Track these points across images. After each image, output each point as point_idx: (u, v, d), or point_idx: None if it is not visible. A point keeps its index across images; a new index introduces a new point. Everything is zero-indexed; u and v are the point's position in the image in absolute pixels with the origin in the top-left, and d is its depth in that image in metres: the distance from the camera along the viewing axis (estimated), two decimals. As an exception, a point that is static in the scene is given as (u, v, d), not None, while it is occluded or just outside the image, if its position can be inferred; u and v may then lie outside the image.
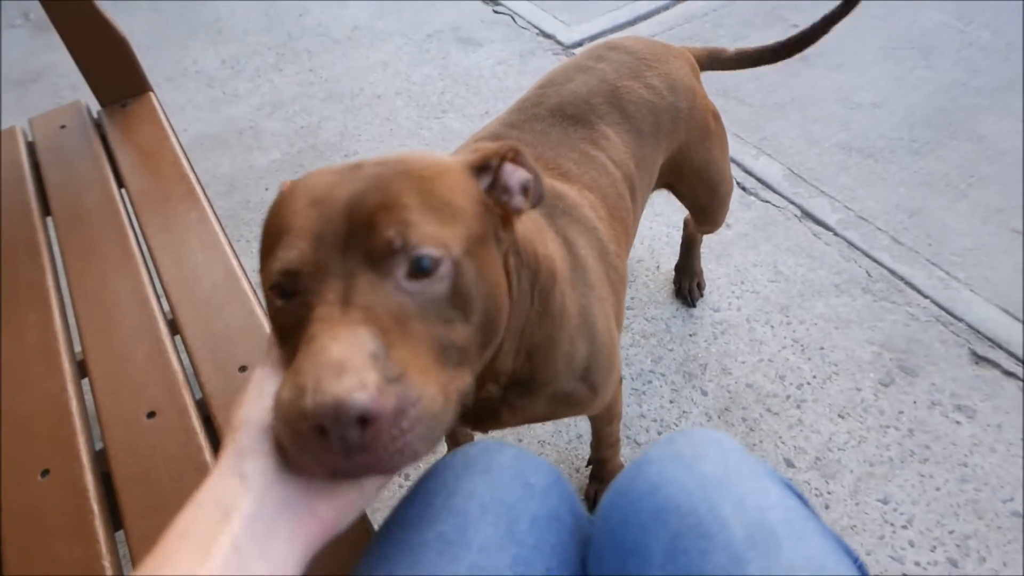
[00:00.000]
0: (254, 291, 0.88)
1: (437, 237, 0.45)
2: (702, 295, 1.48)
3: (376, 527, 0.54)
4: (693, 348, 1.39)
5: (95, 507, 0.67)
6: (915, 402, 1.27)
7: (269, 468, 0.40)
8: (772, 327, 1.41)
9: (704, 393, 1.32)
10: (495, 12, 2.46)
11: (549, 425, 1.30)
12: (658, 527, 0.46)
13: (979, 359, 1.32)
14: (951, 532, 1.10)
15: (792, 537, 0.44)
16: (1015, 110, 1.85)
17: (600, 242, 0.81)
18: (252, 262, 1.60)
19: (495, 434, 1.26)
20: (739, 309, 1.45)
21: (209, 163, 1.94)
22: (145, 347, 0.82)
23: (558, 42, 2.28)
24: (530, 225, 0.66)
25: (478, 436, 1.18)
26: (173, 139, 1.13)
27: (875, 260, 1.52)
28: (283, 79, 2.25)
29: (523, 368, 0.66)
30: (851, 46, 2.10)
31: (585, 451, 1.25)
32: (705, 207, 1.19)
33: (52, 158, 1.13)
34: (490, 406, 0.70)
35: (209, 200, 1.03)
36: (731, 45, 1.23)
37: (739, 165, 1.77)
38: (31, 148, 1.16)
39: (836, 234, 1.58)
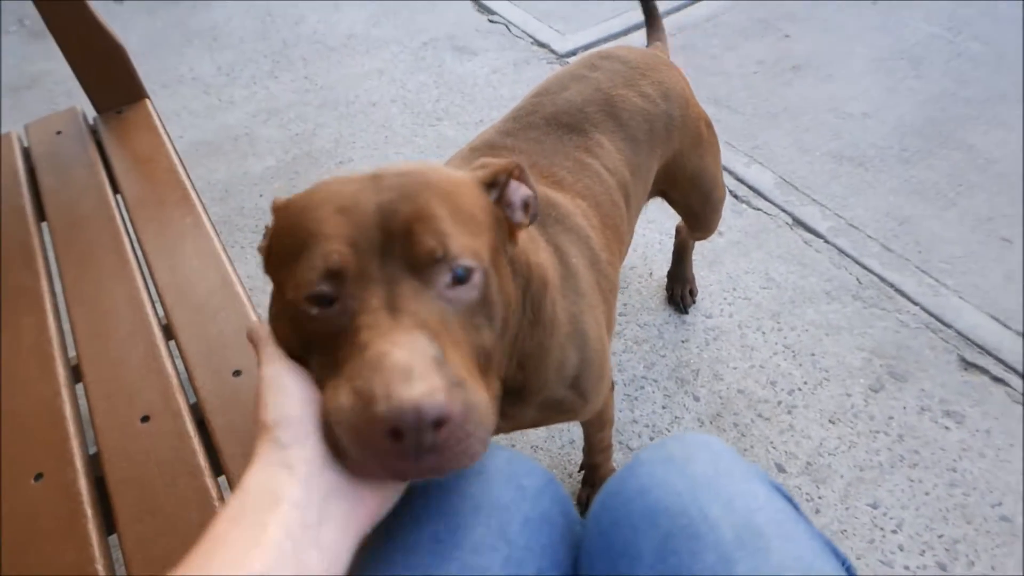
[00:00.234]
0: (248, 297, 0.89)
1: (472, 248, 0.47)
2: (694, 301, 1.49)
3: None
4: (685, 354, 1.40)
5: (88, 511, 0.67)
6: (905, 408, 1.28)
7: (314, 459, 0.41)
8: (764, 333, 1.42)
9: (696, 399, 1.33)
10: (490, 21, 2.48)
11: (542, 430, 1.30)
12: (648, 528, 0.46)
13: (968, 365, 1.34)
14: (940, 536, 1.11)
15: (780, 538, 0.45)
16: (1004, 120, 1.87)
17: (592, 250, 0.82)
18: (246, 268, 1.61)
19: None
20: (731, 315, 1.47)
21: (204, 169, 1.94)
22: (140, 352, 0.82)
23: (552, 51, 2.29)
24: (522, 234, 0.67)
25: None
26: (168, 146, 1.14)
27: (865, 267, 1.53)
28: (278, 86, 2.26)
29: (515, 376, 0.67)
30: (842, 57, 2.12)
31: (578, 456, 1.25)
32: (698, 214, 1.20)
33: (48, 164, 1.13)
34: None
35: (204, 206, 1.03)
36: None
37: (731, 173, 1.78)
38: (27, 154, 1.17)
39: (827, 241, 1.60)
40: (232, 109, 2.18)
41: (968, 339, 1.37)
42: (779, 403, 1.31)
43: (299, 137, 2.04)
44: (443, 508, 0.48)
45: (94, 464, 0.73)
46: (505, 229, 0.56)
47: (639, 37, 2.31)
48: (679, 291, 1.47)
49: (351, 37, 2.47)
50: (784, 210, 1.68)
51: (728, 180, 1.75)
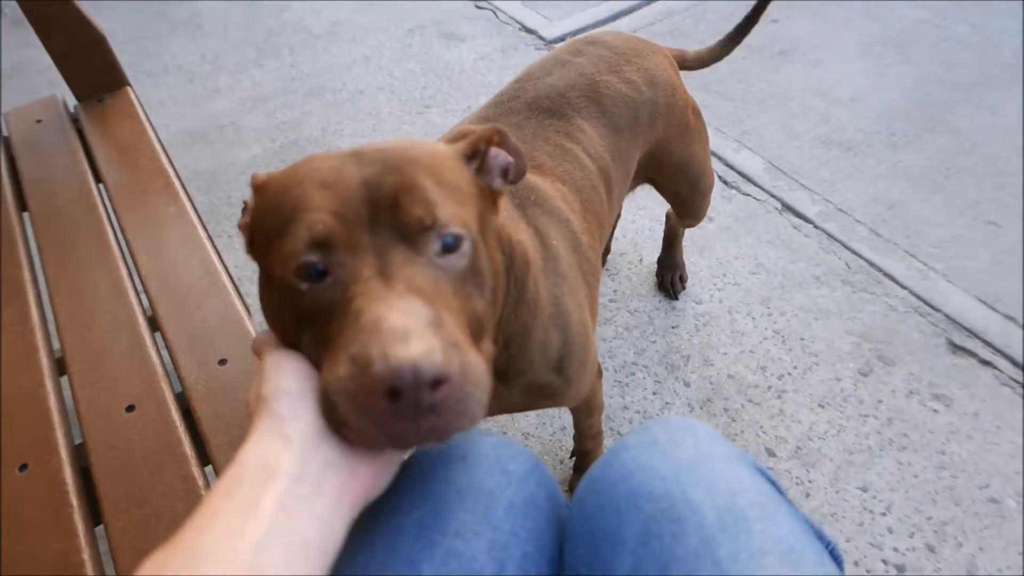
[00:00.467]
0: (235, 286, 0.88)
1: (460, 216, 0.47)
2: (684, 288, 1.49)
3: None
4: (676, 340, 1.41)
5: (74, 501, 0.67)
6: (893, 391, 1.29)
7: (310, 432, 0.41)
8: (753, 319, 1.43)
9: (686, 384, 1.33)
10: (477, 7, 2.46)
11: (533, 417, 1.30)
12: (631, 512, 0.46)
13: (956, 348, 1.34)
14: (929, 518, 1.12)
15: (763, 520, 0.45)
16: (991, 104, 1.87)
17: (572, 233, 0.82)
18: (233, 258, 1.59)
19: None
20: (721, 301, 1.47)
21: (190, 159, 1.92)
22: (124, 341, 0.81)
23: (540, 37, 2.28)
24: (502, 214, 0.67)
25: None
26: (151, 134, 1.13)
27: (854, 252, 1.53)
28: (264, 74, 2.24)
29: (499, 357, 0.67)
30: (830, 42, 2.12)
31: (569, 443, 1.25)
32: (686, 201, 1.19)
33: (28, 152, 1.12)
34: None
35: (188, 195, 1.02)
36: (711, 40, 1.24)
37: (720, 159, 1.78)
38: (6, 143, 1.15)
39: (816, 226, 1.60)
40: (217, 98, 2.16)
41: (956, 322, 1.38)
42: (769, 388, 1.31)
43: (285, 125, 2.03)
44: (427, 493, 0.48)
45: (79, 454, 0.72)
46: (488, 199, 0.56)
47: (627, 23, 2.30)
48: (669, 277, 1.47)
49: (337, 24, 2.44)
50: (773, 195, 1.68)
51: (717, 166, 1.75)
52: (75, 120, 1.18)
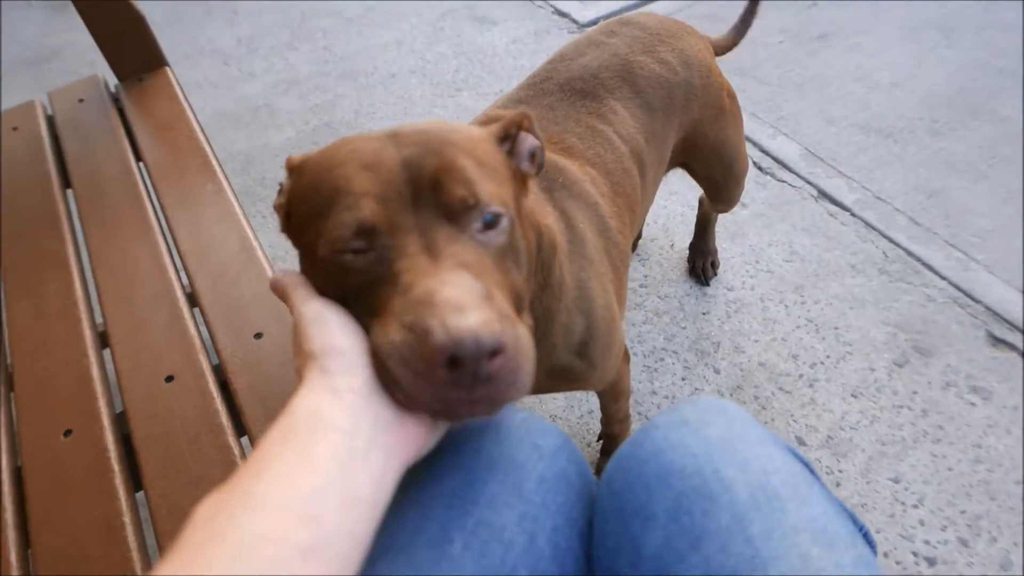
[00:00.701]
0: (270, 263, 0.89)
1: (498, 195, 0.49)
2: (716, 274, 1.47)
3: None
4: (706, 326, 1.39)
5: (115, 466, 0.69)
6: (929, 383, 1.26)
7: (361, 388, 0.42)
8: (786, 306, 1.41)
9: (716, 371, 1.32)
10: (511, -10, 2.44)
11: (561, 400, 1.31)
12: (662, 488, 0.46)
13: (996, 341, 1.31)
14: (962, 512, 1.10)
15: (796, 500, 0.44)
16: (1039, 90, 1.81)
17: (600, 217, 0.81)
18: (268, 237, 1.62)
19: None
20: (753, 288, 1.45)
21: (225, 140, 1.95)
22: (164, 314, 0.83)
23: (573, 20, 2.26)
24: (530, 196, 0.67)
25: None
26: (189, 113, 1.15)
27: (892, 241, 1.50)
28: (298, 57, 2.26)
29: None
30: (870, 25, 2.06)
31: (596, 426, 1.25)
32: (720, 186, 1.18)
33: (71, 131, 1.14)
34: None
35: (225, 174, 1.04)
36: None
37: (755, 144, 1.75)
38: (51, 121, 1.18)
39: (853, 214, 1.57)
40: (252, 80, 2.18)
41: (997, 314, 1.35)
42: (800, 376, 1.29)
43: (319, 108, 2.04)
44: (458, 464, 0.49)
45: (120, 422, 0.74)
46: (519, 181, 0.57)
47: (662, 6, 2.27)
48: (701, 263, 1.46)
49: (370, 8, 2.45)
50: (809, 182, 1.65)
51: (752, 151, 1.72)
52: (116, 99, 1.21)
